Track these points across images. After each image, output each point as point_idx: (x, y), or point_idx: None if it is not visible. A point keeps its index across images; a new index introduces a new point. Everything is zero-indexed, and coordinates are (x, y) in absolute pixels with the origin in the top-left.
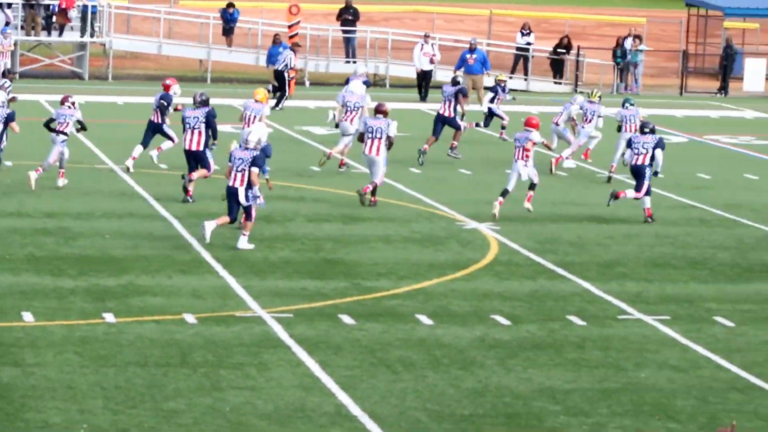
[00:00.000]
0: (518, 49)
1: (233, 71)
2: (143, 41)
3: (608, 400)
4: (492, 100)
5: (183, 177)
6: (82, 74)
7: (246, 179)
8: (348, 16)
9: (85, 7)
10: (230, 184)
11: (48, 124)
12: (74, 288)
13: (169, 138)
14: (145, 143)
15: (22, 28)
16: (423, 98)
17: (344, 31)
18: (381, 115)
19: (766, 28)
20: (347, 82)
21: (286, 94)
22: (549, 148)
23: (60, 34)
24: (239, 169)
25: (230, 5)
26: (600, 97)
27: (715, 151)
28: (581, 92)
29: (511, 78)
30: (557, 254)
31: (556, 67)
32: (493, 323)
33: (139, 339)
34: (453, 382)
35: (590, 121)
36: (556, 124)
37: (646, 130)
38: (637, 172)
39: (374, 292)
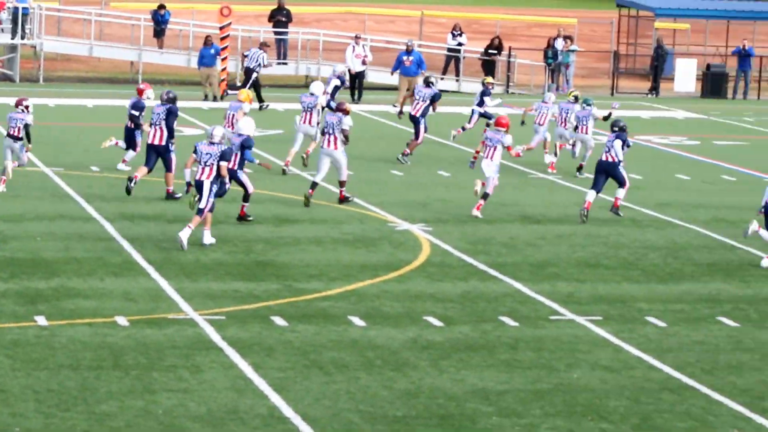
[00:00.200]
0: (449, 50)
1: (165, 73)
2: (74, 43)
3: (541, 401)
4: (480, 104)
5: (129, 179)
6: (13, 76)
7: (214, 173)
8: (281, 18)
9: (15, 8)
10: (197, 177)
11: None
12: (5, 291)
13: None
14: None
15: None
16: (356, 99)
17: (276, 33)
18: (340, 113)
19: (697, 28)
20: (328, 82)
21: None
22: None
23: None
24: (207, 163)
25: (161, 7)
26: (576, 97)
27: (646, 151)
28: (573, 94)
29: (442, 79)
30: (489, 255)
31: (488, 68)
32: (425, 324)
33: (71, 342)
34: (386, 383)
35: (566, 121)
36: (539, 124)
37: (616, 129)
38: (605, 169)
39: (306, 293)
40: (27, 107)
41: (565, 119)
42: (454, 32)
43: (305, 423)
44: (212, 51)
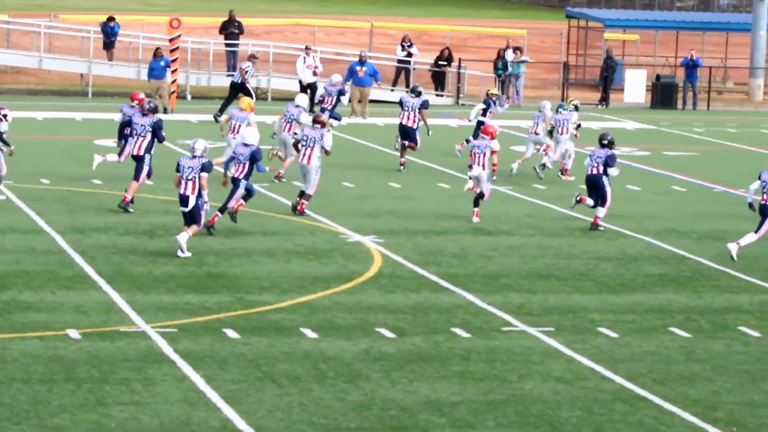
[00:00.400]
0: (399, 61)
1: (114, 85)
2: (23, 55)
3: (494, 412)
4: (484, 113)
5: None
6: None
7: (197, 186)
8: (234, 30)
9: None
10: (181, 192)
11: None
12: None
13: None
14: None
15: None
16: (308, 110)
17: (227, 44)
18: (318, 125)
19: (646, 39)
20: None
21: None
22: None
23: None
24: (189, 177)
25: (111, 19)
26: (576, 106)
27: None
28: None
29: (392, 90)
30: (441, 266)
31: (438, 80)
32: (378, 336)
33: (23, 355)
34: (339, 395)
35: (567, 129)
36: (535, 133)
37: (604, 142)
38: (593, 183)
39: (258, 305)
40: (5, 116)
41: (566, 128)
42: (403, 44)
43: None
44: (162, 63)
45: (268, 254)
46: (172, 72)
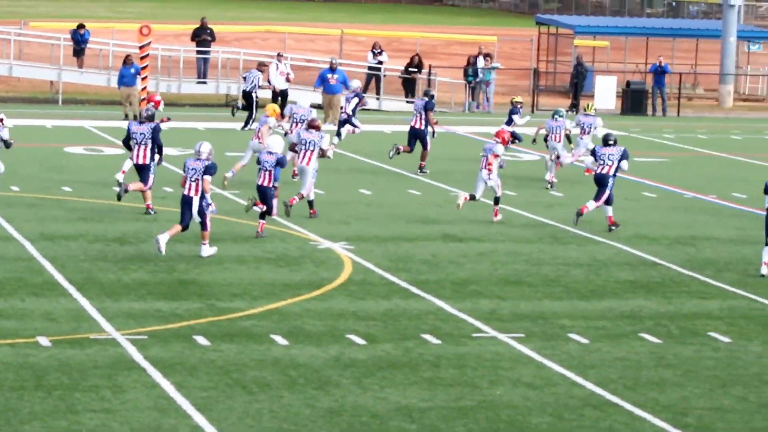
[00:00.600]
0: (370, 68)
1: (85, 92)
2: None
3: (464, 418)
4: (508, 123)
5: (120, 187)
6: None
7: (200, 188)
8: (206, 37)
9: None
10: (185, 193)
11: None
12: None
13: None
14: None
15: None
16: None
17: (199, 52)
18: (313, 130)
19: (616, 46)
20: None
21: (254, 115)
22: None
23: None
24: (193, 179)
25: (81, 26)
26: (596, 110)
27: (567, 168)
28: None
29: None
30: (411, 273)
31: (408, 86)
32: (348, 342)
33: None
34: (309, 401)
35: (588, 132)
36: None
37: (610, 141)
38: (601, 182)
39: (229, 312)
40: (1, 120)
41: (588, 131)
42: (374, 50)
43: None
44: (132, 70)
45: (239, 261)
46: (143, 79)
